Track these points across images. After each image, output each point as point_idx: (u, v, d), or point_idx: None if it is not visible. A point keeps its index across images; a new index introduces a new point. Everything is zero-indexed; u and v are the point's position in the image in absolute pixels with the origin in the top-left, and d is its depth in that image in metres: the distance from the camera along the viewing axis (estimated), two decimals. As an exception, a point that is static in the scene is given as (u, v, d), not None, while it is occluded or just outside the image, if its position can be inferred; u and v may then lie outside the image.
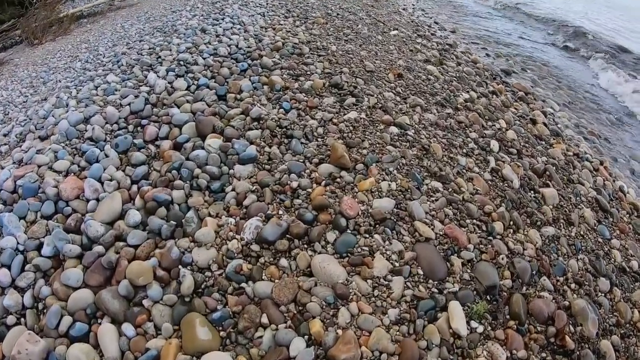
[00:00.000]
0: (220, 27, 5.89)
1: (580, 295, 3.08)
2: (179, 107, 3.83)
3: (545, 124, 5.40)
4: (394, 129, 3.82)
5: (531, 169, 4.23)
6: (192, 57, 4.83)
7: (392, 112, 4.15)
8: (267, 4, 7.69)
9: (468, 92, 5.45)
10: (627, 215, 4.34)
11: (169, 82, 4.10)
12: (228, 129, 3.60)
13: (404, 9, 10.27)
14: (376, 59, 5.44)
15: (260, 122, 3.74)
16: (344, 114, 3.98)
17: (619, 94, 7.90)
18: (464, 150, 3.98)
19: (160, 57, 4.97)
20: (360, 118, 3.90)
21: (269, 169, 3.29)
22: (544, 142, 4.92)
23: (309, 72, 4.74)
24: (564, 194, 4.02)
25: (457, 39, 8.37)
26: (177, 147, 3.30)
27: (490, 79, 6.48)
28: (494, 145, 4.27)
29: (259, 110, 3.80)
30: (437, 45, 7.17)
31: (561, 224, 3.63)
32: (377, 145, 3.59)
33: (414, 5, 11.65)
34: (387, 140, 3.65)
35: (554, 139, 5.15)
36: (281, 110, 3.94)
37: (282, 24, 6.49)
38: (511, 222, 3.21)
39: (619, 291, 3.31)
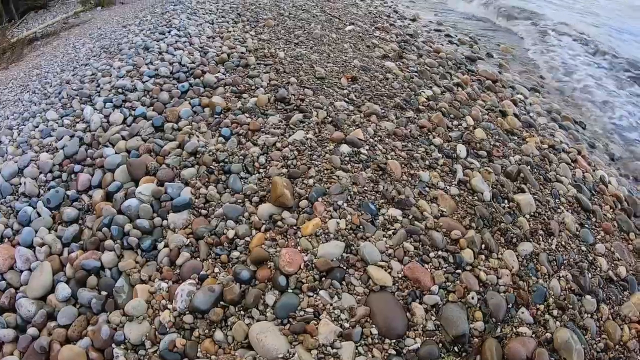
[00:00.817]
0: (165, 42, 5.55)
1: (563, 323, 2.70)
2: (113, 146, 3.66)
3: (516, 115, 5.00)
4: (345, 148, 3.38)
5: (504, 173, 3.80)
6: (132, 81, 4.55)
7: (344, 125, 3.71)
8: (217, 9, 7.23)
9: (430, 87, 5.03)
10: (611, 210, 3.94)
11: (105, 116, 4.03)
12: (162, 169, 3.31)
13: (361, 0, 9.81)
14: (328, 62, 4.99)
15: (197, 156, 3.40)
16: (290, 135, 3.55)
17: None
18: (427, 162, 3.56)
19: (99, 85, 4.68)
20: (307, 139, 3.46)
21: (206, 214, 2.95)
22: (516, 137, 4.51)
23: (253, 87, 4.31)
24: (541, 198, 3.59)
25: (418, 28, 7.93)
26: (109, 196, 3.17)
27: (454, 69, 6.06)
28: (461, 150, 3.85)
29: (195, 144, 3.44)
30: (397, 37, 6.73)
31: (540, 236, 3.21)
32: (325, 171, 3.15)
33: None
34: (337, 163, 3.22)
35: (526, 132, 4.74)
36: (220, 138, 3.53)
37: (230, 31, 6.08)
38: (483, 246, 2.82)
39: (606, 308, 2.93)
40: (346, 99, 4.17)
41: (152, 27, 6.50)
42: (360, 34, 6.45)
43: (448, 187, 3.37)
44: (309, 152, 3.30)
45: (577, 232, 3.40)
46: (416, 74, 5.29)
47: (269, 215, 2.80)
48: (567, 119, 5.70)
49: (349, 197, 2.93)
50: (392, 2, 10.30)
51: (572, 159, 4.49)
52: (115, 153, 3.57)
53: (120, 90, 4.47)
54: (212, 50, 5.29)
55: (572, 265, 3.00)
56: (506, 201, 3.43)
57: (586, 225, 3.42)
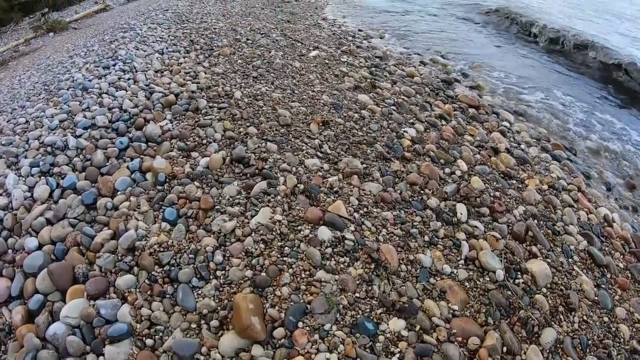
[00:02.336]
0: (106, 80, 4.68)
1: None
2: (37, 233, 2.83)
3: (508, 150, 4.35)
4: (324, 233, 2.58)
5: (511, 235, 3.17)
6: (64, 136, 3.68)
7: (320, 194, 2.90)
8: (169, 36, 6.32)
9: (413, 124, 4.29)
10: (622, 257, 3.47)
11: (29, 188, 3.19)
12: (93, 277, 2.47)
13: (323, 20, 9.00)
14: (293, 101, 4.16)
15: (135, 254, 2.54)
16: (252, 214, 2.71)
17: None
18: (426, 238, 2.80)
19: (29, 140, 3.78)
20: (275, 222, 2.63)
21: (153, 346, 2.14)
22: (514, 181, 3.82)
23: (205, 141, 3.45)
24: (554, 261, 3.03)
25: (387, 47, 7.18)
26: (32, 315, 2.41)
27: (432, 96, 5.34)
28: (461, 210, 3.14)
29: (132, 236, 2.60)
30: (366, 62, 5.96)
31: (561, 315, 2.67)
32: (303, 274, 2.33)
33: (333, 12, 10.39)
34: (317, 260, 2.41)
35: (523, 171, 4.09)
36: (164, 224, 2.66)
37: (181, 63, 5.20)
38: (504, 349, 2.30)
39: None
40: (319, 153, 3.37)
41: (97, 58, 5.63)
42: (327, 60, 5.64)
43: (455, 271, 2.63)
44: (279, 243, 2.47)
45: (596, 297, 2.91)
46: (394, 107, 4.53)
47: (234, 352, 1.96)
48: (558, 147, 5.07)
49: (338, 316, 2.09)
50: (355, 19, 9.55)
51: (574, 199, 3.94)
52: (38, 246, 2.77)
53: (49, 149, 3.61)
54: (158, 90, 4.43)
55: (597, 345, 2.59)
56: (519, 274, 2.82)
57: (602, 286, 3.03)
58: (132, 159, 3.42)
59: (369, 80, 5.22)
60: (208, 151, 3.37)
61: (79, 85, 4.75)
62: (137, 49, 5.82)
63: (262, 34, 6.69)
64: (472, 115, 4.96)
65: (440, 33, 9.23)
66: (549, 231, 3.36)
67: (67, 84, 4.94)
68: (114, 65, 5.22)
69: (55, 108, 4.35)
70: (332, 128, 3.77)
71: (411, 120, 4.36)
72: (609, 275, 3.17)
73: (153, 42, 6.19)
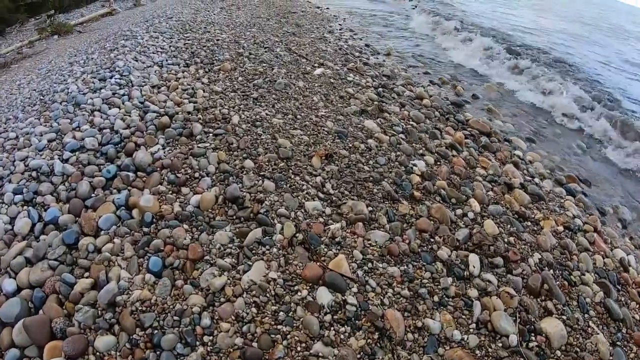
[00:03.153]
0: (100, 95, 4.39)
1: None
2: (15, 274, 2.56)
3: (522, 186, 4.04)
4: (324, 295, 2.30)
5: (526, 289, 2.89)
6: (50, 159, 3.41)
7: (320, 246, 2.60)
8: (169, 47, 6.02)
9: (422, 156, 4.00)
10: (638, 307, 3.16)
11: (10, 219, 2.91)
12: (70, 335, 2.19)
13: (330, 33, 8.71)
14: (295, 128, 3.87)
15: (116, 309, 2.26)
16: (245, 269, 2.42)
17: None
18: (436, 299, 2.50)
19: (15, 161, 3.50)
20: (270, 280, 2.33)
21: None
22: (529, 223, 3.51)
23: (197, 174, 3.16)
24: (569, 317, 2.75)
25: (394, 65, 6.88)
26: None
27: (443, 121, 5.05)
28: (474, 262, 2.84)
29: (112, 289, 2.32)
30: (373, 81, 5.66)
31: None
32: (299, 347, 2.05)
33: (340, 25, 10.10)
34: (314, 330, 2.13)
35: (537, 210, 3.78)
36: (149, 276, 2.37)
37: (179, 78, 4.90)
38: None
39: None
40: (321, 193, 3.06)
41: (95, 68, 5.35)
42: (332, 79, 5.35)
43: (466, 338, 2.33)
44: (273, 307, 2.16)
45: (610, 358, 2.64)
46: (403, 135, 4.23)
47: None
48: (572, 179, 4.77)
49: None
50: (363, 32, 9.26)
51: (590, 241, 3.63)
52: (16, 290, 2.50)
53: (34, 174, 3.34)
54: (153, 109, 4.16)
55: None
56: (533, 336, 2.54)
57: (618, 343, 2.75)
58: (119, 191, 3.12)
59: (376, 103, 4.92)
60: (200, 187, 3.08)
61: (72, 99, 4.47)
62: (137, 60, 5.55)
63: (265, 47, 6.41)
64: (484, 144, 4.65)
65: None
66: (565, 282, 3.07)
67: (62, 96, 4.66)
68: (111, 77, 4.94)
69: (46, 125, 4.07)
70: (336, 162, 3.48)
71: (421, 151, 4.07)
72: (624, 331, 2.89)
73: (153, 52, 5.92)
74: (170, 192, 3.06)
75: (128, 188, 3.15)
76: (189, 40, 6.61)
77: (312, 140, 3.69)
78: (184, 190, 3.05)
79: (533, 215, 3.69)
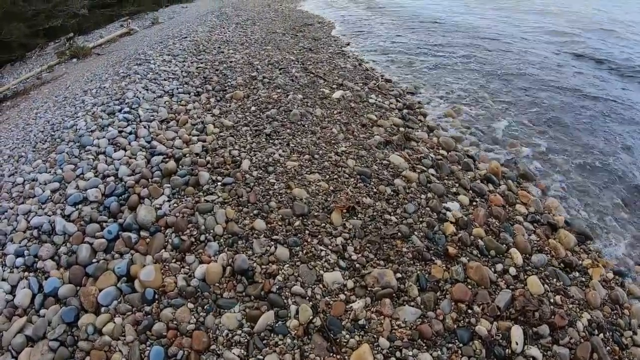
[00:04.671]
0: (106, 135, 4.11)
1: None
2: (17, 354, 2.36)
3: (567, 224, 3.46)
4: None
5: (576, 361, 2.33)
6: (53, 214, 3.16)
7: (341, 333, 2.13)
8: (181, 72, 5.63)
9: (456, 195, 3.47)
10: None
11: (11, 287, 2.72)
12: None
13: (347, 44, 8.20)
14: (312, 170, 3.40)
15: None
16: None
17: None
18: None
19: (17, 217, 3.27)
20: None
21: None
22: (577, 274, 2.96)
23: (203, 237, 2.75)
24: None
25: (418, 79, 6.32)
26: None
27: (477, 146, 4.49)
28: (517, 337, 2.42)
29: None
30: (397, 102, 5.13)
31: None
32: None
33: (358, 36, 9.56)
34: None
35: (585, 253, 3.22)
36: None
37: (190, 109, 4.50)
38: None
39: None
40: (342, 260, 2.58)
41: (106, 99, 5.07)
42: (353, 103, 4.86)
43: None
44: None
45: None
46: (433, 170, 3.70)
47: None
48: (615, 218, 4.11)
49: None
50: (379, 46, 8.71)
51: None
52: None
53: (36, 232, 3.09)
54: (159, 150, 3.81)
55: None
56: None
57: None
58: (121, 255, 2.83)
59: (401, 128, 4.41)
60: (206, 254, 2.65)
61: (79, 138, 4.20)
62: (147, 89, 5.20)
63: (280, 69, 5.95)
64: (523, 172, 4.08)
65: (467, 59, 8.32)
66: (615, 346, 2.56)
67: (69, 135, 4.38)
68: (120, 110, 4.66)
69: (50, 172, 3.80)
70: (360, 214, 2.98)
71: (454, 189, 3.55)
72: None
73: (164, 79, 5.56)
74: (174, 259, 2.67)
75: (131, 252, 2.85)
76: (201, 63, 6.23)
77: (331, 187, 3.21)
78: (189, 258, 2.63)
79: (580, 262, 3.14)
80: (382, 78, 5.96)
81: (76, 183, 3.54)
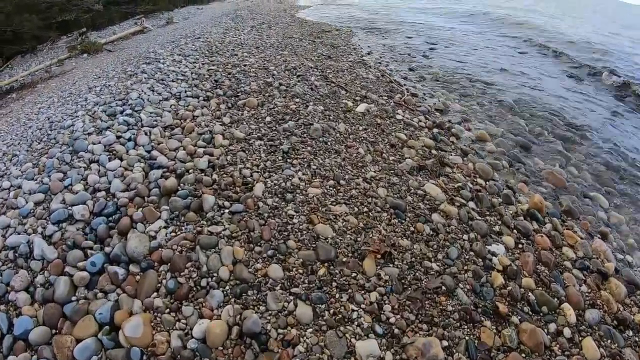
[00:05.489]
0: (102, 140, 3.56)
1: None
2: None
3: (617, 271, 2.94)
4: None
5: None
6: (31, 237, 2.62)
7: None
8: (192, 73, 5.07)
9: (500, 235, 2.88)
10: None
11: None
12: None
13: (368, 53, 7.61)
14: (338, 200, 2.81)
15: None
16: None
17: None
18: None
19: None
20: None
21: None
22: (630, 332, 2.43)
23: (204, 282, 2.19)
24: None
25: (445, 95, 5.73)
26: None
27: (512, 173, 3.93)
28: None
29: None
30: (426, 120, 4.54)
31: None
32: None
33: (380, 44, 8.96)
34: None
35: (636, 307, 2.71)
36: None
37: (197, 115, 3.94)
38: None
39: None
40: (378, 325, 1.99)
41: (108, 99, 4.56)
42: (379, 119, 4.28)
43: None
44: None
45: None
46: (473, 203, 3.10)
47: None
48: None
49: None
50: (402, 53, 8.12)
51: None
52: None
53: (12, 254, 2.56)
54: (160, 162, 3.25)
55: None
56: None
57: None
58: (105, 294, 2.29)
59: (433, 151, 3.82)
60: (207, 305, 2.06)
61: (73, 142, 3.67)
62: (152, 91, 4.64)
63: (298, 76, 5.37)
64: (566, 208, 3.49)
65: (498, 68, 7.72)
66: None
67: (65, 136, 3.86)
68: (122, 112, 4.14)
69: (37, 180, 3.25)
70: (395, 260, 2.38)
71: (497, 227, 2.95)
72: None
73: (172, 80, 5.00)
74: (168, 309, 2.05)
75: (117, 292, 2.29)
76: (213, 65, 5.66)
77: (361, 224, 2.61)
78: (186, 309, 2.04)
79: (632, 316, 2.59)
80: (407, 92, 5.33)
81: (63, 196, 2.99)
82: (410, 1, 19.07)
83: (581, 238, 3.19)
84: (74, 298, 2.26)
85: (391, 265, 2.36)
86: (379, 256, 2.33)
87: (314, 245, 2.38)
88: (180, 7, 19.11)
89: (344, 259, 2.30)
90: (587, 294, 2.68)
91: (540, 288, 2.58)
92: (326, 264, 2.27)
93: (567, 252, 3.03)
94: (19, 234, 2.70)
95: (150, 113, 4.13)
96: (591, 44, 11.05)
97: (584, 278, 2.82)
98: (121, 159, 3.34)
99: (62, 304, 2.23)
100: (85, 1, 12.41)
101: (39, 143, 3.99)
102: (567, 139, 5.09)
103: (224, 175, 2.99)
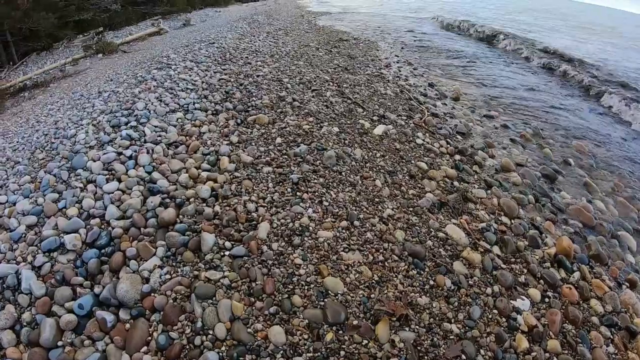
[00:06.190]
0: (102, 157, 3.37)
1: None
2: None
3: None
4: None
5: None
6: (19, 267, 2.44)
7: None
8: (202, 83, 4.86)
9: (526, 287, 2.66)
10: None
11: None
12: None
13: (387, 66, 7.31)
14: (351, 245, 2.54)
15: None
16: None
17: None
18: None
19: None
20: None
21: None
22: None
23: (198, 341, 1.96)
24: None
25: (466, 115, 5.42)
26: None
27: (537, 209, 3.65)
28: None
29: None
30: (448, 146, 4.25)
31: None
32: None
33: (397, 57, 8.66)
34: None
35: None
36: None
37: (204, 132, 3.71)
38: None
39: None
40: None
41: (115, 107, 4.37)
42: (397, 142, 4.01)
43: None
44: None
45: None
46: (497, 247, 2.81)
47: None
48: None
49: None
50: (421, 66, 7.81)
51: None
52: None
53: (0, 286, 2.36)
54: (159, 186, 3.03)
55: None
56: None
57: None
58: (93, 341, 2.09)
59: (455, 182, 3.54)
60: (198, 374, 1.77)
61: (73, 156, 3.50)
62: (160, 101, 4.41)
63: (313, 90, 5.11)
64: (595, 252, 3.18)
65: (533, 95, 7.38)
66: None
67: (65, 148, 3.69)
68: (126, 123, 3.94)
69: (31, 199, 3.05)
70: (412, 323, 2.09)
71: (522, 277, 2.66)
72: None
73: (182, 90, 4.77)
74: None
75: (104, 338, 2.10)
76: (225, 74, 5.43)
77: (376, 276, 2.33)
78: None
79: None
80: (427, 111, 5.03)
81: (56, 220, 2.80)
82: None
83: (610, 288, 2.89)
84: (60, 343, 2.09)
85: (407, 329, 2.07)
86: (394, 318, 2.05)
87: (322, 303, 2.10)
88: (198, 9, 18.99)
89: (355, 322, 2.02)
90: (613, 355, 2.41)
91: (566, 351, 2.28)
92: (334, 328, 2.00)
93: (595, 305, 2.74)
94: (8, 261, 2.53)
95: (155, 127, 3.92)
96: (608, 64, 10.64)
97: (611, 337, 2.53)
98: (119, 181, 3.13)
99: (47, 349, 2.06)
100: (103, 1, 12.29)
101: (41, 152, 3.83)
102: (593, 168, 4.76)
103: (227, 208, 2.74)
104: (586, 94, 8.06)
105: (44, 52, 11.93)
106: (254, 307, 2.08)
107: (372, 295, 2.20)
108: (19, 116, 6.52)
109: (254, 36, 8.56)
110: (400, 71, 7.10)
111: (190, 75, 5.39)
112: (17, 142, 4.54)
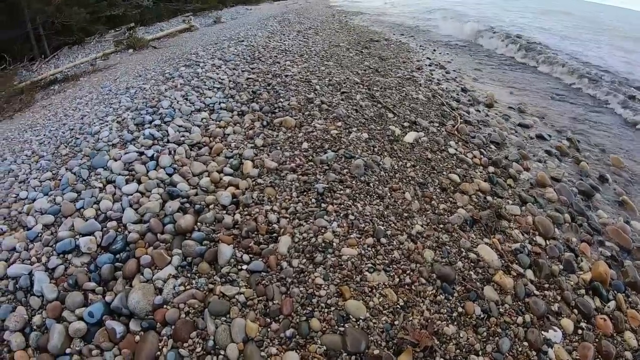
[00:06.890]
0: (123, 157, 3.32)
1: None
2: None
3: None
4: None
5: None
6: (33, 268, 2.39)
7: None
8: (229, 82, 4.77)
9: (559, 316, 2.53)
10: None
11: None
12: None
13: (418, 69, 7.09)
14: (376, 266, 2.37)
15: None
16: None
17: None
18: None
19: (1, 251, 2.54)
20: None
21: None
22: None
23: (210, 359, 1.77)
24: None
25: (501, 124, 5.18)
26: None
27: (574, 230, 3.42)
28: None
29: None
30: (481, 156, 4.03)
31: None
32: None
33: (429, 59, 8.42)
34: None
35: None
36: None
37: (228, 134, 3.63)
38: None
39: None
40: None
41: (140, 104, 4.35)
42: (429, 152, 3.81)
43: None
44: None
45: None
46: (531, 271, 2.61)
47: None
48: None
49: None
50: (455, 70, 7.56)
51: None
52: None
53: (11, 285, 2.34)
54: (179, 190, 2.95)
55: None
56: None
57: None
58: (101, 352, 2.02)
59: (489, 197, 3.33)
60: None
61: (95, 153, 3.48)
62: (186, 99, 4.33)
63: (342, 92, 4.95)
64: (632, 279, 2.93)
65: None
66: None
67: (88, 145, 3.67)
68: (150, 122, 3.90)
69: (50, 197, 3.02)
70: (437, 355, 1.92)
71: (556, 306, 2.45)
72: None
73: (208, 88, 4.68)
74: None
75: (113, 352, 2.02)
76: (253, 73, 5.33)
77: (401, 301, 2.17)
78: None
79: None
80: (460, 118, 4.82)
81: (72, 221, 2.74)
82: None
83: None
84: (68, 350, 2.04)
85: (433, 361, 1.90)
86: (418, 349, 1.88)
87: (341, 329, 1.95)
88: (229, 6, 19.06)
89: (376, 352, 1.86)
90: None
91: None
92: (354, 358, 1.84)
93: (629, 339, 2.51)
94: (22, 261, 2.49)
95: (179, 127, 3.84)
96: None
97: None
98: (139, 182, 3.06)
99: (55, 356, 2.01)
100: (135, -3, 12.44)
101: (65, 147, 3.83)
102: (631, 185, 4.46)
103: (247, 217, 2.61)
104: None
105: (76, 46, 12.11)
106: (269, 329, 1.94)
107: (396, 322, 2.03)
108: (48, 109, 6.58)
109: (283, 35, 8.46)
110: (432, 74, 6.87)
111: (217, 74, 5.31)
112: (44, 135, 4.55)
